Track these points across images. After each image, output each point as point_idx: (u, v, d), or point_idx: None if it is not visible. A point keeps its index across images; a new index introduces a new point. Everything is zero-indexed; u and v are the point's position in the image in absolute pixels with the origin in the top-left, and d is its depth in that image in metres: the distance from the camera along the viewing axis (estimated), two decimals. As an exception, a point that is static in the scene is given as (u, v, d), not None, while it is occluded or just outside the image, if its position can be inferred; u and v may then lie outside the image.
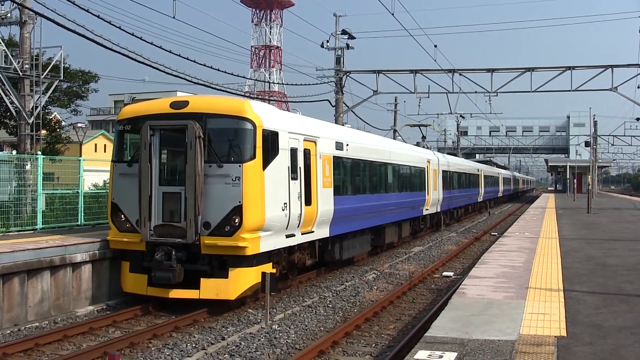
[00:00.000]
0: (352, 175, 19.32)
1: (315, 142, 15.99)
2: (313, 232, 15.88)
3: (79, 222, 17.97)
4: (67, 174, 19.36)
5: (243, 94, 35.27)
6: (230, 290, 13.05)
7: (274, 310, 13.51)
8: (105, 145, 60.68)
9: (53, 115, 39.36)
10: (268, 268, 13.60)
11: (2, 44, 21.92)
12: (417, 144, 41.68)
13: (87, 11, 17.94)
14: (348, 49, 32.43)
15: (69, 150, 36.75)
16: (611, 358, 7.49)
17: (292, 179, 14.47)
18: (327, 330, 12.10)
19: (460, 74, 34.02)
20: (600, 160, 78.14)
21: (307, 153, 15.47)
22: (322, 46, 32.17)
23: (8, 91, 21.33)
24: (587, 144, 61.17)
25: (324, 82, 32.98)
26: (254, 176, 13.09)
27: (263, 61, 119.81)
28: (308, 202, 15.27)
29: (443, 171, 33.63)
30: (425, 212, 29.17)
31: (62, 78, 25.18)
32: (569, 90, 33.32)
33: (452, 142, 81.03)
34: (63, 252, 13.29)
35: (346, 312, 13.73)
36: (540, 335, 8.39)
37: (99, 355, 10.23)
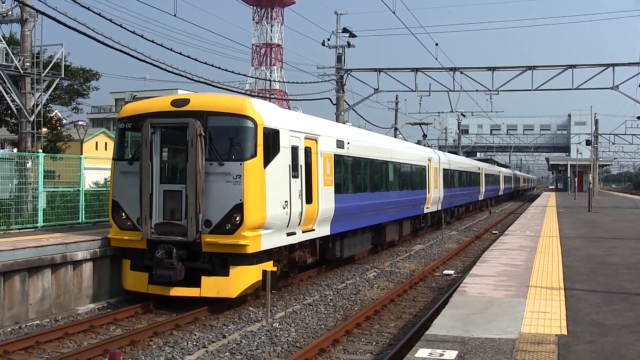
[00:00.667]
0: (353, 174, 19.32)
1: (316, 140, 15.99)
2: (314, 230, 15.88)
3: (80, 220, 17.98)
4: (68, 172, 19.36)
5: (244, 92, 35.25)
6: (231, 289, 13.06)
7: (275, 308, 13.51)
8: (106, 143, 60.74)
9: (54, 113, 39.39)
10: (269, 266, 13.60)
11: (3, 41, 21.93)
12: (418, 142, 41.60)
13: (88, 9, 17.93)
14: (349, 47, 32.42)
15: (70, 148, 36.75)
16: (612, 356, 7.49)
17: (293, 177, 14.47)
18: (327, 328, 12.11)
19: (461, 72, 34.01)
20: (601, 159, 78.08)
21: (308, 151, 15.46)
22: (323, 44, 32.16)
23: (9, 89, 21.33)
24: (588, 142, 61.04)
25: (325, 80, 33.00)
26: (255, 174, 13.10)
27: (264, 59, 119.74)
28: (309, 200, 15.28)
29: (444, 169, 33.62)
30: (426, 211, 29.18)
31: (63, 76, 25.19)
32: (570, 89, 33.30)
33: (453, 141, 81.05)
34: (64, 250, 13.29)
35: (347, 310, 13.73)
36: (541, 334, 8.39)
37: (99, 353, 10.23)
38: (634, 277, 12.96)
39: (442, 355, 7.44)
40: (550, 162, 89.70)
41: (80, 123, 40.02)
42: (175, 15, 22.72)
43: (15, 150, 24.83)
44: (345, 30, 32.12)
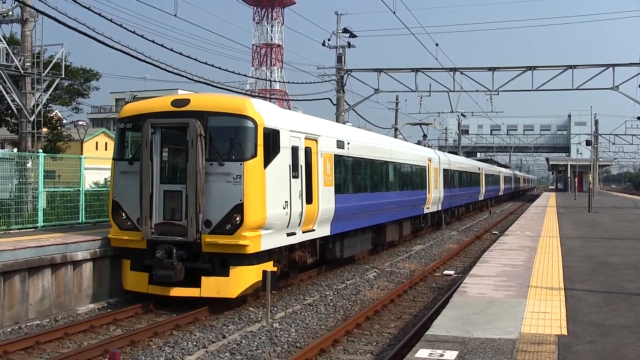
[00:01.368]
0: (353, 174, 19.32)
1: (316, 141, 15.99)
2: (314, 230, 15.88)
3: (80, 220, 17.97)
4: (68, 172, 19.35)
5: (244, 92, 35.24)
6: (231, 289, 13.06)
7: (275, 308, 13.51)
8: (106, 143, 60.73)
9: (54, 113, 39.36)
10: (269, 266, 13.60)
11: (4, 41, 21.93)
12: (418, 143, 41.68)
13: (89, 9, 17.95)
14: (349, 47, 32.43)
15: (70, 148, 36.76)
16: (612, 356, 7.49)
17: (293, 177, 14.47)
18: (328, 328, 12.11)
19: (461, 73, 34.02)
20: (601, 159, 78.07)
21: (308, 151, 15.46)
22: (323, 44, 32.18)
23: (9, 89, 21.33)
24: (588, 142, 61.05)
25: (325, 81, 33.02)
26: (255, 174, 13.10)
27: (264, 59, 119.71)
28: (309, 200, 15.27)
29: (444, 170, 33.62)
30: (426, 211, 29.17)
31: (63, 76, 25.18)
32: (570, 89, 33.32)
33: (453, 141, 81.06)
34: (64, 250, 13.29)
35: (347, 310, 13.73)
36: (541, 334, 8.39)
37: (99, 353, 10.23)
38: (634, 277, 12.96)
39: (442, 355, 7.43)
40: (551, 163, 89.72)
41: (80, 123, 40.04)
42: (175, 16, 22.75)
43: (15, 150, 24.82)
44: (345, 31, 32.13)
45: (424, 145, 39.60)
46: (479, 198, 49.09)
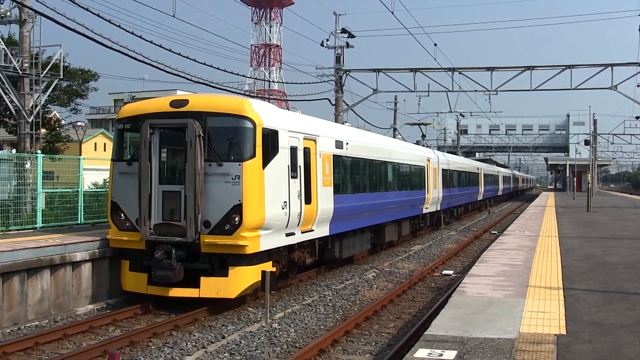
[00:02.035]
0: (352, 174, 19.32)
1: (315, 141, 15.99)
2: (313, 230, 15.88)
3: (79, 221, 17.97)
4: (66, 173, 19.36)
5: (243, 92, 35.24)
6: (230, 289, 13.05)
7: (274, 308, 13.51)
8: (105, 144, 60.66)
9: (53, 114, 39.37)
10: (268, 267, 13.60)
11: (2, 42, 21.90)
12: (417, 143, 41.65)
13: (87, 10, 17.92)
14: (348, 47, 32.45)
15: (69, 149, 36.71)
16: (611, 356, 7.49)
17: (292, 177, 14.47)
18: (327, 328, 12.11)
19: (460, 73, 34.03)
20: (599, 159, 78.19)
21: (307, 152, 15.46)
22: (322, 45, 32.19)
23: (8, 90, 21.31)
24: (586, 142, 61.20)
25: (324, 81, 33.01)
26: (254, 175, 13.09)
27: (263, 60, 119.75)
28: (308, 200, 15.27)
29: (443, 170, 33.63)
30: (425, 211, 29.18)
31: (61, 77, 25.17)
32: (569, 89, 33.35)
33: (452, 141, 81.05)
34: (63, 251, 13.29)
35: (346, 310, 13.73)
36: (540, 334, 8.39)
37: (99, 354, 10.23)
38: (632, 277, 12.97)
39: (441, 355, 7.44)
40: (549, 162, 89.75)
41: (79, 124, 39.94)
42: (174, 16, 22.73)
43: (14, 151, 24.81)
44: (344, 31, 32.14)
45: (423, 146, 39.60)
46: (477, 198, 49.10)
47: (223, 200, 12.94)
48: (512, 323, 8.95)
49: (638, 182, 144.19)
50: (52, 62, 23.54)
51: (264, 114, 13.71)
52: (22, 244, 13.29)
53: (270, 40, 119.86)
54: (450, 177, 35.88)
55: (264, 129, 13.42)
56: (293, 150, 14.68)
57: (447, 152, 47.77)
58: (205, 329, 11.97)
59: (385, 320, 12.97)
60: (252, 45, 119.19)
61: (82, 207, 18.13)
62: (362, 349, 10.80)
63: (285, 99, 78.50)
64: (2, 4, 21.80)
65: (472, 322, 9.00)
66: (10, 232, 15.92)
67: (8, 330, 11.67)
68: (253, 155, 13.15)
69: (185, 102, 13.60)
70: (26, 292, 12.38)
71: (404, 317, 13.27)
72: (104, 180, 23.56)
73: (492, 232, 31.68)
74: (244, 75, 48.81)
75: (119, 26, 19.09)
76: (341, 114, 32.47)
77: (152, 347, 10.81)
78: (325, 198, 16.38)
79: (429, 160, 30.14)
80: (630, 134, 72.04)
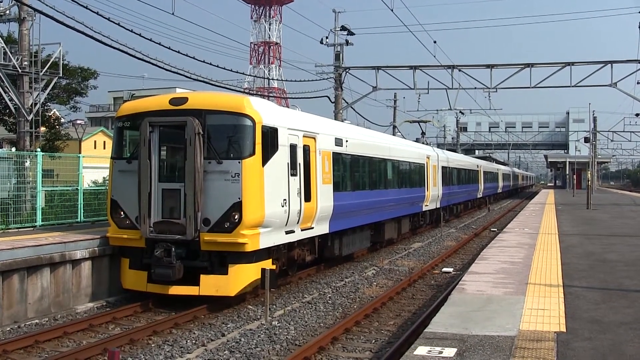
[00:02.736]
0: (352, 172, 19.31)
1: (314, 138, 15.98)
2: (312, 228, 15.88)
3: (79, 219, 17.96)
4: (66, 171, 19.35)
5: (242, 90, 35.29)
6: (230, 287, 13.06)
7: (274, 306, 13.52)
8: (104, 142, 60.67)
9: (52, 112, 39.31)
10: (268, 264, 13.60)
11: (1, 40, 21.89)
12: (417, 140, 41.63)
13: (86, 8, 17.90)
14: (347, 45, 32.45)
15: (68, 147, 36.68)
16: (611, 353, 7.49)
17: (291, 175, 14.46)
18: (326, 326, 12.11)
19: (459, 70, 34.02)
20: (599, 156, 78.12)
21: (306, 149, 15.46)
22: (321, 42, 32.19)
23: (7, 88, 21.31)
24: (586, 139, 61.21)
25: (324, 79, 32.99)
26: (254, 172, 13.09)
27: (262, 57, 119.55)
28: (307, 198, 15.27)
29: (442, 167, 33.63)
30: (424, 208, 29.18)
31: (61, 75, 25.15)
32: (569, 86, 33.36)
33: (452, 138, 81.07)
34: (63, 249, 13.29)
35: (346, 308, 13.74)
36: (539, 331, 8.39)
37: (98, 352, 10.23)
38: (632, 274, 12.97)
39: (441, 352, 7.44)
40: (549, 160, 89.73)
41: (78, 122, 39.94)
42: (173, 14, 22.72)
43: (13, 149, 24.81)
44: (343, 28, 32.12)
45: (422, 143, 39.60)
46: (477, 195, 49.12)
47: (223, 198, 12.94)
48: (512, 320, 8.95)
49: (638, 180, 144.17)
50: (51, 60, 23.52)
51: (264, 112, 13.70)
52: (22, 242, 13.29)
53: (269, 37, 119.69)
54: (449, 175, 35.88)
55: (263, 127, 13.41)
56: (293, 148, 14.67)
57: (447, 150, 47.75)
58: (205, 327, 11.98)
59: (385, 317, 12.97)
60: (251, 42, 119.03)
61: (82, 205, 18.12)
62: (362, 347, 10.80)
63: (285, 96, 78.41)
64: (1, 2, 21.80)
65: (472, 319, 9.00)
66: (10, 230, 15.92)
67: (8, 329, 11.68)
68: (252, 153, 13.14)
69: (184, 99, 13.59)
70: (26, 290, 12.39)
71: (404, 314, 13.27)
72: (104, 178, 23.57)
73: (492, 229, 31.70)
74: (243, 73, 48.75)
75: (119, 24, 19.07)
76: (341, 111, 32.47)
77: (152, 345, 10.82)
78: (324, 196, 16.38)
79: (428, 157, 30.13)
80: (630, 132, 72.08)
